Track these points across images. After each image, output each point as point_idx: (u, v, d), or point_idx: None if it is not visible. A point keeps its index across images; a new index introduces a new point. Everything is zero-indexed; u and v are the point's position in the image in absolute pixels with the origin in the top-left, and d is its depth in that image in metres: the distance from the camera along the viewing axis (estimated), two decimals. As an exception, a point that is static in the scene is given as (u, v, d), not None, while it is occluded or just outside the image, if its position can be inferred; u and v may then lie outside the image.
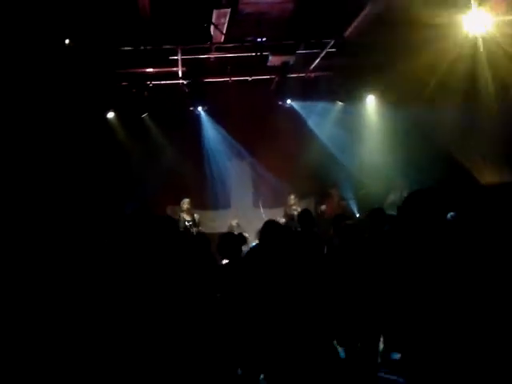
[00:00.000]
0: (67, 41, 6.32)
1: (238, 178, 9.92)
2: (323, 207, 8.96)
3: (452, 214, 3.08)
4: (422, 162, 7.23)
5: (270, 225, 3.82)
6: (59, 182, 6.86)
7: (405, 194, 7.59)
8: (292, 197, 8.76)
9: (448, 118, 7.05)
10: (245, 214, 9.10)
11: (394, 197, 7.87)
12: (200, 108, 8.65)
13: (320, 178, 9.28)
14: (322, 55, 7.92)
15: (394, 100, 8.03)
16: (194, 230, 8.27)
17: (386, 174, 8.23)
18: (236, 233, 5.45)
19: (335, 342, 3.80)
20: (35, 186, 6.31)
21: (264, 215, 8.46)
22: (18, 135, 6.18)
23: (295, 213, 8.39)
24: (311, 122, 9.16)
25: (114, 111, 8.48)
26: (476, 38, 6.06)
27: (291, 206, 8.66)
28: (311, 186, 9.51)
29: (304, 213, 5.70)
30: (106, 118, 8.45)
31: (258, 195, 9.57)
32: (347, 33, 7.29)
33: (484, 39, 5.99)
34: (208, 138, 9.24)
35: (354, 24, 7.00)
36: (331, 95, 8.98)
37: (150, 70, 8.06)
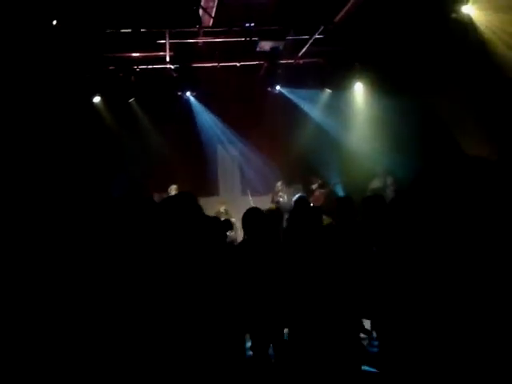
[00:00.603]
0: (54, 22, 6.16)
1: (226, 164, 9.90)
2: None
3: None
4: (408, 150, 7.29)
5: (251, 213, 3.83)
6: (45, 167, 6.77)
7: (389, 181, 7.81)
8: (279, 183, 8.77)
9: (436, 106, 7.12)
10: (233, 200, 9.09)
11: (378, 183, 7.99)
12: (188, 93, 8.57)
13: (308, 165, 9.30)
14: (311, 41, 7.89)
15: (382, 88, 8.06)
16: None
17: (372, 160, 8.30)
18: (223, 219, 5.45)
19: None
20: (21, 170, 6.22)
21: (252, 202, 8.47)
22: (2, 119, 6.07)
23: (281, 199, 8.43)
24: (299, 109, 9.15)
25: (101, 96, 8.36)
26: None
27: (278, 192, 8.67)
28: (299, 173, 9.53)
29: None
30: (93, 103, 8.32)
31: (246, 182, 9.57)
32: (337, 19, 7.26)
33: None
34: (196, 124, 9.16)
35: (345, 9, 6.97)
36: (320, 82, 8.97)
37: (137, 54, 7.94)
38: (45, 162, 6.83)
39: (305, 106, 9.17)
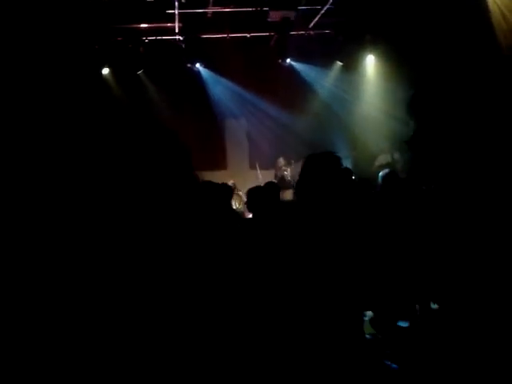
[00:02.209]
0: None
1: (234, 137, 9.85)
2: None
3: None
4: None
5: (253, 192, 3.79)
6: (54, 136, 6.80)
7: (395, 156, 7.72)
8: (281, 159, 8.69)
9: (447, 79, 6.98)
10: (241, 175, 9.09)
11: (385, 158, 7.91)
12: (198, 65, 8.47)
13: (317, 139, 9.23)
14: (323, 12, 7.72)
15: (393, 60, 7.90)
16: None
17: (380, 136, 8.21)
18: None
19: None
20: (32, 141, 6.25)
21: (260, 176, 8.46)
22: (13, 89, 6.06)
23: (286, 173, 8.38)
24: (310, 82, 9.02)
25: (109, 67, 8.30)
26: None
27: (281, 167, 8.62)
28: (306, 148, 9.47)
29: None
30: (101, 74, 8.28)
31: (254, 156, 9.53)
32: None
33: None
34: (205, 97, 9.08)
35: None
36: (331, 54, 8.82)
37: (146, 25, 7.83)
38: (53, 133, 6.85)
39: (315, 80, 9.04)
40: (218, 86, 9.04)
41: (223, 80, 8.97)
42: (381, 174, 5.13)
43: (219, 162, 9.52)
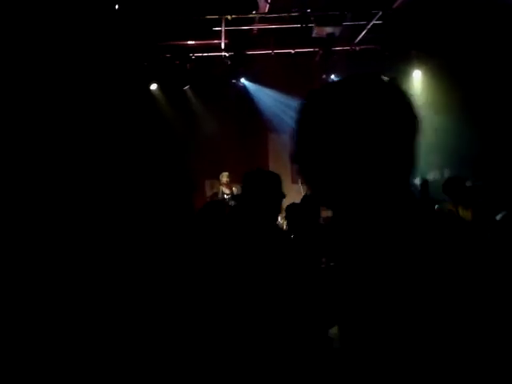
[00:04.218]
0: (117, 6, 6.33)
1: (277, 152, 9.86)
2: None
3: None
4: (466, 143, 6.97)
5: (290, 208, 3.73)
6: (101, 149, 7.06)
7: (446, 173, 7.48)
8: None
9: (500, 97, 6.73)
10: (283, 189, 9.04)
11: (435, 175, 7.69)
12: (243, 79, 8.60)
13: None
14: (369, 27, 7.66)
15: (441, 76, 7.73)
16: (232, 203, 8.35)
17: (430, 151, 7.99)
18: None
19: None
20: (83, 149, 6.52)
21: (302, 190, 8.40)
22: (66, 98, 6.34)
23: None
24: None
25: (157, 83, 8.58)
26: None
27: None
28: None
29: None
30: (149, 89, 8.57)
31: (296, 170, 9.47)
32: (395, 4, 7.00)
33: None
34: (249, 111, 9.18)
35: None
36: (376, 69, 8.71)
37: (193, 42, 8.05)
38: (103, 146, 7.11)
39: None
40: (262, 101, 9.12)
41: (267, 94, 9.04)
42: None
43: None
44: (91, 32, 6.35)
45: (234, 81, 8.55)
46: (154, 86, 8.60)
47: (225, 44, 8.08)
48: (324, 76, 8.47)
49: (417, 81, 8.60)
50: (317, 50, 8.41)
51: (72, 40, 6.13)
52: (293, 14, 7.25)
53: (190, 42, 8.08)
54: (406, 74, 8.59)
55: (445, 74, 7.57)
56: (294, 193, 8.49)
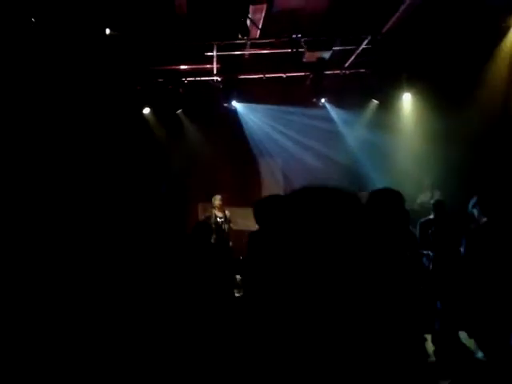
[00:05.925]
0: (108, 30, 6.40)
1: (269, 175, 9.88)
2: None
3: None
4: (456, 164, 7.06)
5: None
6: (96, 172, 7.05)
7: (436, 195, 7.51)
8: None
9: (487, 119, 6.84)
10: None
11: (425, 197, 7.71)
12: (234, 102, 8.68)
13: (354, 177, 9.13)
14: (358, 52, 7.81)
15: (430, 99, 7.85)
16: (226, 226, 8.29)
17: (417, 174, 8.06)
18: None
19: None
20: (75, 172, 6.51)
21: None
22: (58, 124, 6.36)
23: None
24: (344, 122, 9.05)
25: (150, 107, 8.64)
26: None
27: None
28: (345, 185, 9.35)
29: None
30: (142, 113, 8.62)
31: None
32: (385, 29, 7.16)
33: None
34: (241, 135, 9.24)
35: (392, 20, 6.86)
36: (366, 93, 8.84)
37: (186, 66, 8.15)
38: (97, 168, 7.10)
39: (350, 120, 9.06)
40: (253, 124, 9.20)
41: (259, 118, 9.12)
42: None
43: (254, 199, 9.48)
44: (83, 57, 6.42)
45: (226, 105, 8.62)
46: (146, 110, 8.65)
47: (217, 69, 8.19)
48: (315, 99, 8.57)
49: (407, 103, 8.73)
50: (308, 74, 8.54)
51: (65, 66, 6.18)
52: (283, 39, 7.38)
53: (182, 67, 8.18)
54: (395, 96, 8.72)
55: (435, 96, 7.69)
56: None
